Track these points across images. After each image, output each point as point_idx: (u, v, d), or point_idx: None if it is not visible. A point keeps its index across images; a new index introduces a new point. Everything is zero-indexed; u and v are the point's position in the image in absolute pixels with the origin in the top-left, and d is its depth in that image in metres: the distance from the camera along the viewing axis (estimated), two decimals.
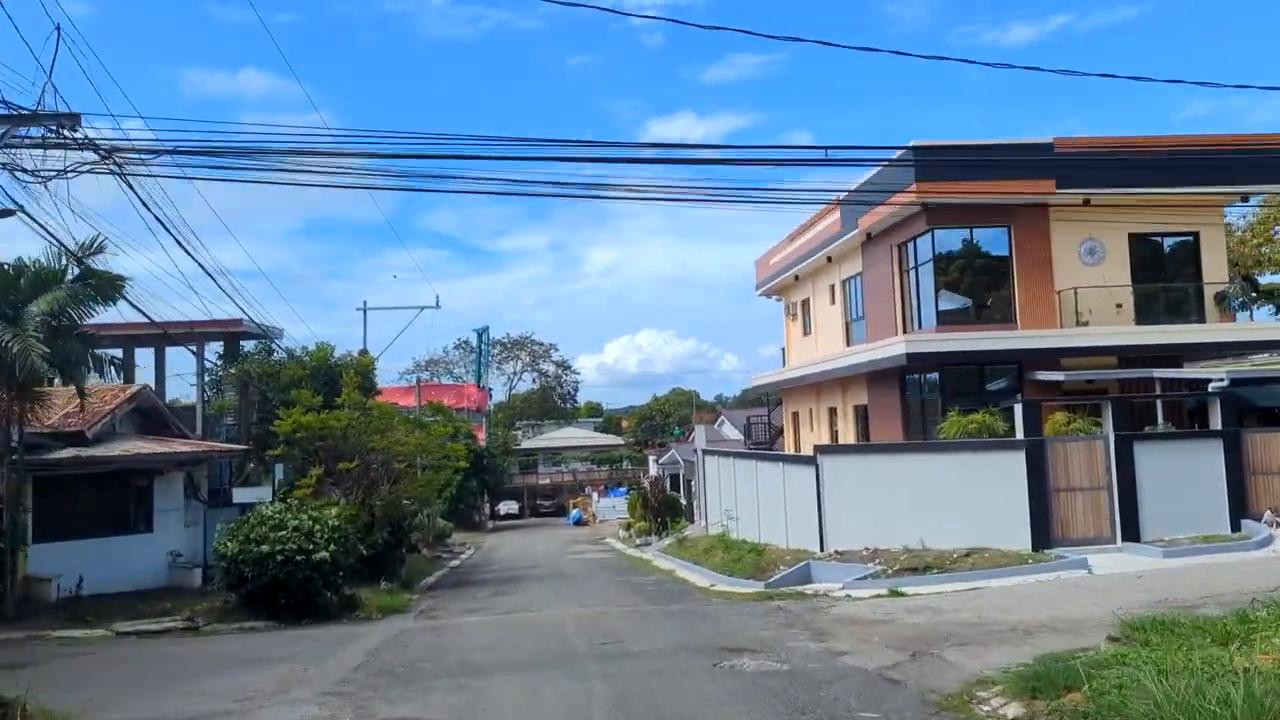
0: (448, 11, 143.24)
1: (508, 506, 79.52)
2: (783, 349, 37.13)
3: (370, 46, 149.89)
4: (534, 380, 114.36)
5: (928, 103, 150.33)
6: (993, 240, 23.71)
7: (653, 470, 54.59)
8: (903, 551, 19.90)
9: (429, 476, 26.42)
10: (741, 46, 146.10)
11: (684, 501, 43.48)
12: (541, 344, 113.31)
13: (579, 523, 67.50)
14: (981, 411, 21.36)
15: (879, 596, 17.36)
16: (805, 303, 33.93)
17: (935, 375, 23.54)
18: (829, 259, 29.95)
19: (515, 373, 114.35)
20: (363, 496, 24.63)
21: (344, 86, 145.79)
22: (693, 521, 38.93)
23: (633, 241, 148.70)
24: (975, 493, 20.02)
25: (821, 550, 21.44)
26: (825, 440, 31.54)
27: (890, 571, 18.83)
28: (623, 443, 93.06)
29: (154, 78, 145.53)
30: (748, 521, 27.04)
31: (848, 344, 29.42)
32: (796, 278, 33.43)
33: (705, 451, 35.76)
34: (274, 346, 29.86)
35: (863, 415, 28.92)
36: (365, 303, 37.99)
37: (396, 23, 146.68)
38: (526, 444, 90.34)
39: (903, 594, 17.39)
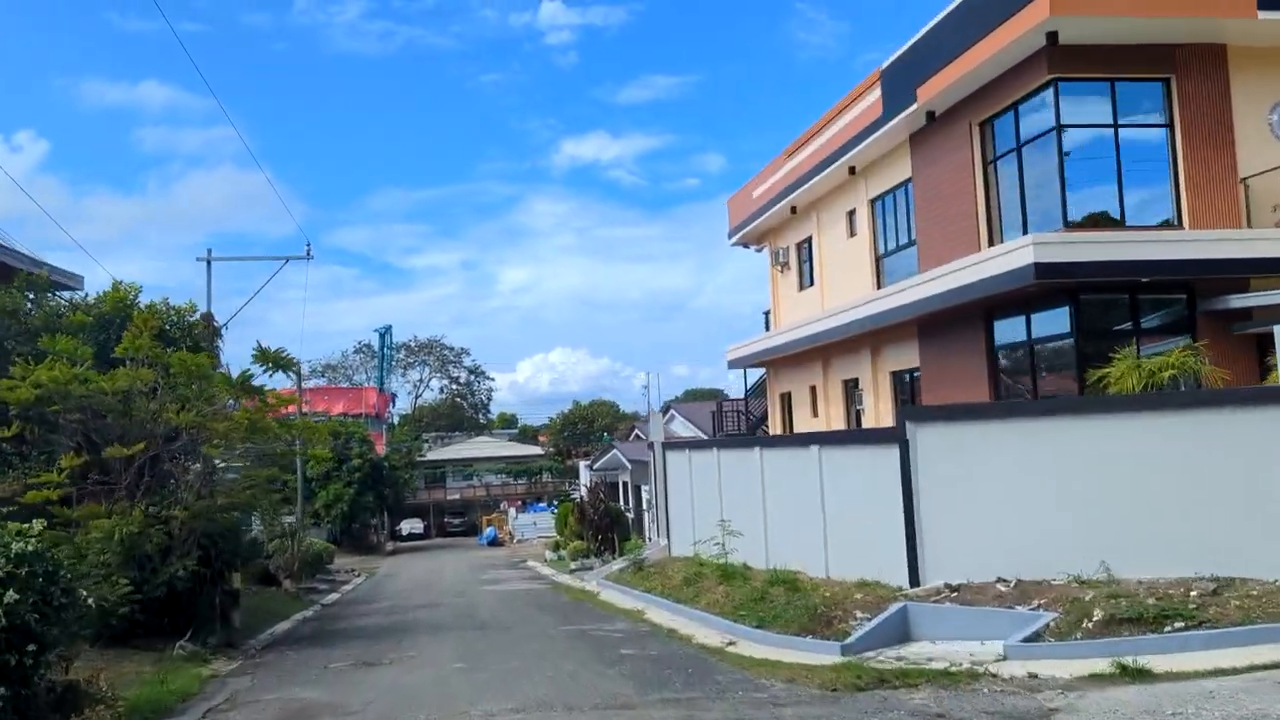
0: (359, 26, 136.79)
1: (411, 525, 69.53)
2: (766, 313, 28.59)
3: (278, 59, 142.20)
4: (443, 389, 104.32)
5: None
6: (1141, 102, 15.53)
7: (584, 478, 45.53)
8: (1074, 583, 11.42)
9: (270, 473, 16.95)
10: (655, 67, 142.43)
11: (630, 515, 34.57)
12: (452, 348, 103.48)
13: (494, 543, 58.15)
14: (1176, 349, 13.07)
15: (1112, 678, 8.84)
16: (805, 244, 25.47)
17: (1064, 309, 15.16)
18: (851, 170, 21.53)
19: (422, 380, 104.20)
20: (153, 502, 15.18)
21: (250, 99, 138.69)
22: (647, 539, 30.09)
23: (546, 260, 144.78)
24: (1199, 483, 11.61)
25: (915, 583, 12.83)
26: (839, 425, 23.07)
27: (1090, 624, 10.26)
28: (542, 453, 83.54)
29: (49, 86, 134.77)
30: (750, 539, 18.34)
31: (878, 286, 21.01)
32: (794, 209, 24.94)
33: (667, 446, 26.95)
34: (48, 293, 20.02)
35: (906, 384, 20.52)
36: (210, 251, 28.27)
37: (306, 36, 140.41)
38: (433, 455, 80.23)
39: (1151, 673, 8.90)
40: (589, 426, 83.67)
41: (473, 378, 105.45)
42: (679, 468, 25.49)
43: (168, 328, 20.28)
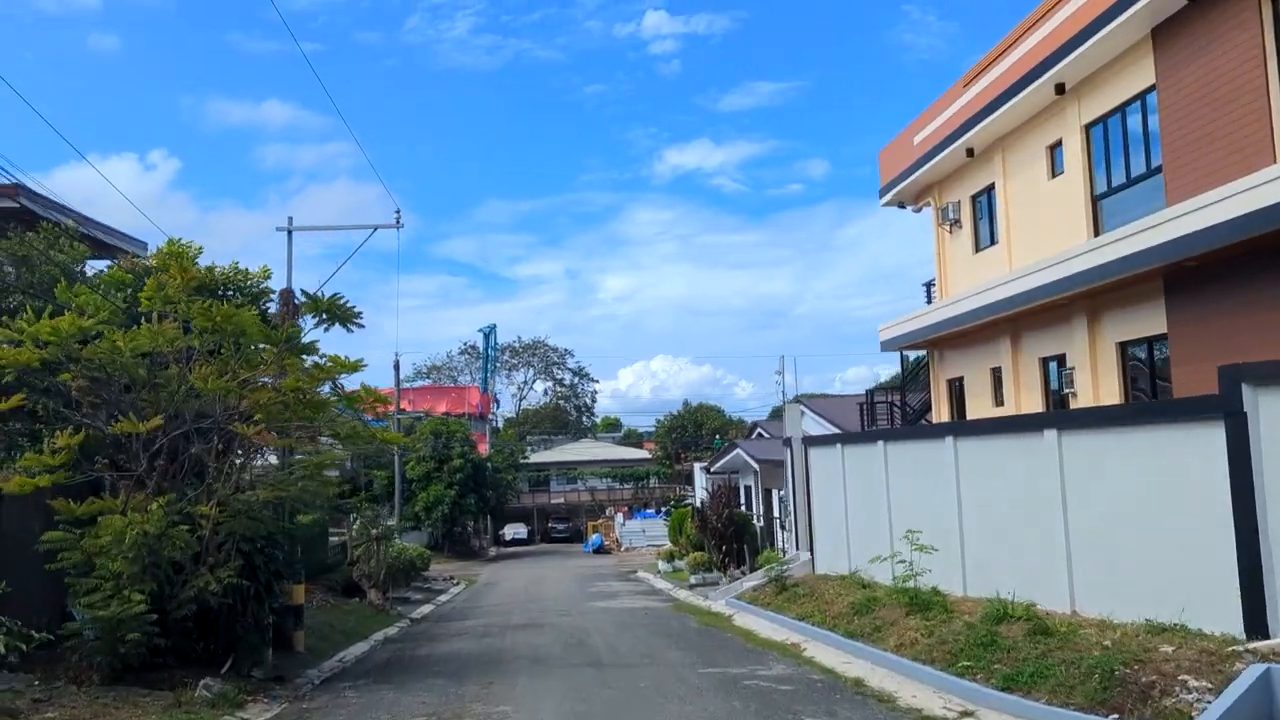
0: (467, 41, 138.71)
1: (515, 530, 66.53)
2: (927, 285, 24.07)
3: (390, 76, 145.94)
4: (547, 392, 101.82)
5: None
6: None
7: (699, 481, 41.44)
8: None
9: (327, 456, 13.32)
10: (759, 73, 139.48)
11: (759, 523, 30.35)
12: (556, 349, 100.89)
13: (599, 550, 54.59)
14: None
15: None
16: (984, 195, 20.90)
17: None
18: (1059, 89, 16.95)
19: (526, 382, 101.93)
20: (182, 497, 11.74)
21: (363, 115, 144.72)
22: (781, 552, 25.86)
23: (647, 268, 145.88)
24: None
25: (1262, 632, 8.37)
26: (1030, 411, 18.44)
27: None
28: (649, 457, 79.77)
29: (178, 106, 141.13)
30: (942, 557, 14.05)
31: (1095, 233, 16.39)
32: (970, 152, 20.41)
33: (811, 442, 22.77)
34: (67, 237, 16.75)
35: (1143, 358, 15.85)
36: (290, 220, 25.28)
37: (417, 52, 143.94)
38: (537, 458, 77.28)
39: None
40: (697, 430, 79.52)
41: (577, 380, 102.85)
42: (827, 467, 21.25)
43: (230, 293, 17.01)
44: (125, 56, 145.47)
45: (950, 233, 22.34)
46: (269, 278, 17.16)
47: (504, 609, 24.63)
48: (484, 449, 61.54)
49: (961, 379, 22.08)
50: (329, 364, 12.05)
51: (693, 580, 27.95)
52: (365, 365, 12.06)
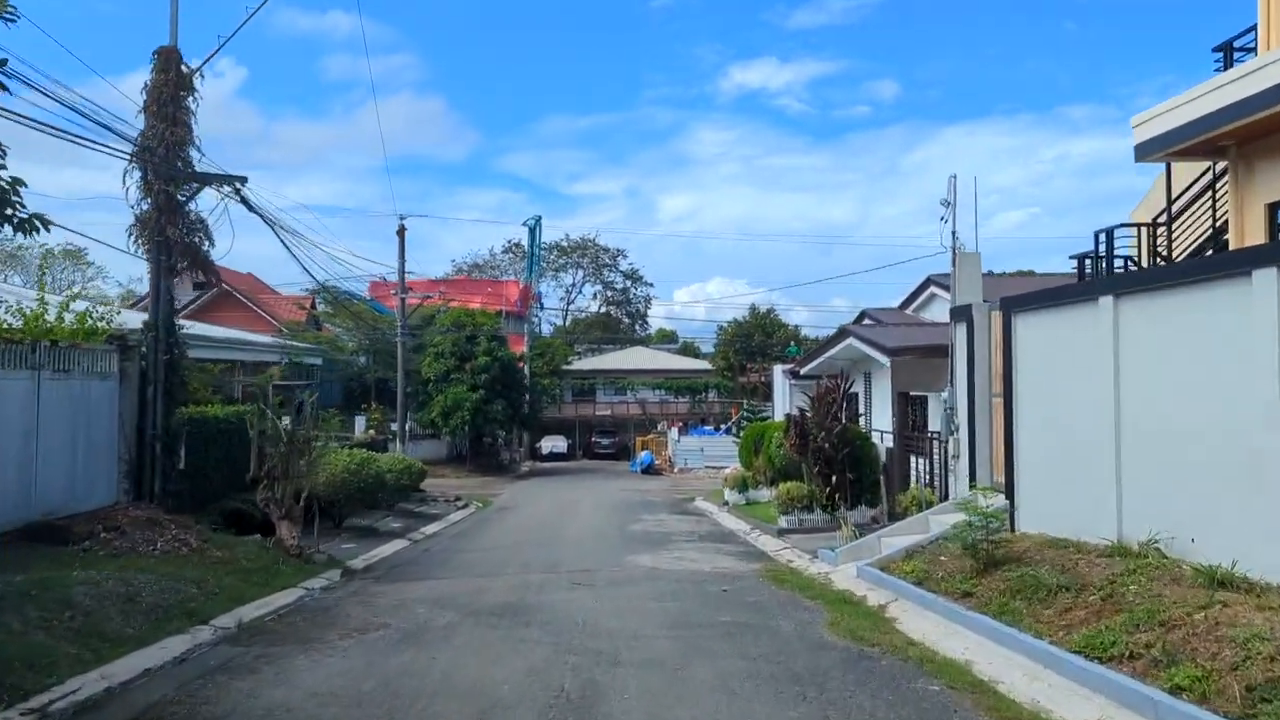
0: None
1: (553, 444, 57.93)
2: (1222, 47, 13.98)
3: None
4: (596, 296, 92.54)
5: (1021, 53, 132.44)
6: None
7: (780, 389, 31.98)
8: None
9: None
10: None
11: (885, 445, 20.88)
12: (607, 249, 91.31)
13: (649, 470, 45.65)
14: None
15: None
16: None
17: None
18: None
19: (574, 285, 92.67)
20: None
21: (425, 25, 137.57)
22: (938, 491, 16.52)
23: (709, 189, 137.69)
24: None
25: None
26: None
27: None
28: (710, 368, 70.42)
29: (237, 14, 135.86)
30: None
31: None
32: None
33: (1026, 303, 13.18)
34: None
35: None
36: None
37: None
38: (583, 364, 68.48)
39: None
40: (766, 339, 69.68)
41: (629, 284, 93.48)
42: (1062, 352, 11.67)
43: None
44: None
45: None
46: None
47: (497, 558, 15.74)
48: (521, 349, 52.81)
49: None
50: None
51: (784, 523, 18.78)
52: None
